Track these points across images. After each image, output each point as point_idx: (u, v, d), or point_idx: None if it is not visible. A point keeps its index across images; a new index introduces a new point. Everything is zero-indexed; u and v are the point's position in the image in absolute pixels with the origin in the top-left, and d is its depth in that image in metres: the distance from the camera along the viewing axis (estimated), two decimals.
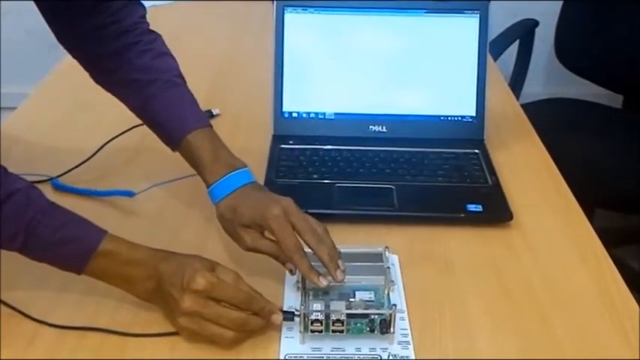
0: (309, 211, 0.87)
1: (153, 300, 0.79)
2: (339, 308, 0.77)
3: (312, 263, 0.80)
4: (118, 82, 0.94)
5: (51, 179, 1.04)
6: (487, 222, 0.97)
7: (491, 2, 1.15)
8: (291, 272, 0.83)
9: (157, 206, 1.01)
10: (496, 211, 0.98)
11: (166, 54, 0.96)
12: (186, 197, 1.02)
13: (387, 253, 0.85)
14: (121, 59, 0.93)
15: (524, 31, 1.97)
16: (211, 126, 0.92)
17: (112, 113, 1.19)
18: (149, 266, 0.77)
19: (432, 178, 1.05)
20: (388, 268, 0.83)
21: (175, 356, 0.75)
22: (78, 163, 1.07)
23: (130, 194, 1.00)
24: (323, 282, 0.79)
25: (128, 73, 0.93)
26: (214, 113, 1.23)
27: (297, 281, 0.83)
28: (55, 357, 0.75)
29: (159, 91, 0.92)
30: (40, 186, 1.02)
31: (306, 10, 1.13)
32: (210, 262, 0.78)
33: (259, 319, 0.76)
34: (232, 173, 0.87)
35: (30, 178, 1.01)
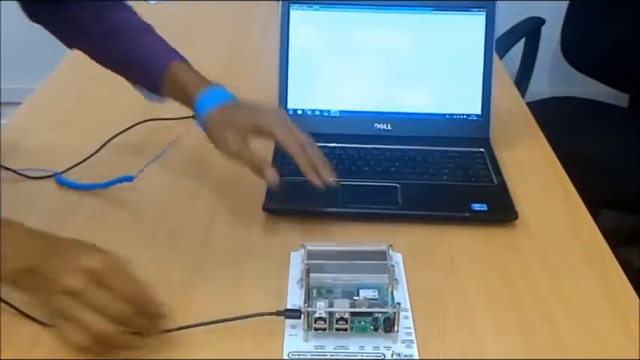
0: (314, 209, 0.86)
1: (18, 281, 0.69)
2: (342, 306, 0.76)
3: (319, 261, 0.80)
4: (93, 37, 0.95)
5: (55, 175, 1.04)
6: (492, 221, 0.97)
7: (498, 0, 1.14)
8: (270, 183, 0.83)
9: (162, 202, 1.00)
10: (501, 210, 0.98)
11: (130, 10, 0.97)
12: (190, 192, 1.02)
13: (390, 251, 0.85)
14: (94, 13, 0.93)
15: (530, 30, 1.96)
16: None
17: (116, 109, 1.19)
18: (21, 244, 0.69)
19: (437, 176, 1.04)
20: (392, 266, 0.82)
21: (178, 353, 0.75)
22: (81, 160, 1.07)
23: (128, 179, 1.00)
24: (317, 180, 0.80)
25: (101, 26, 0.93)
26: None
27: (301, 279, 0.83)
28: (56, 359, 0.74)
29: (134, 36, 0.93)
30: (44, 182, 1.02)
31: (311, 6, 1.13)
32: (98, 246, 0.70)
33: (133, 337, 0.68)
34: (223, 89, 0.89)
35: (33, 174, 1.02)
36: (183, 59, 0.93)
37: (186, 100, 0.90)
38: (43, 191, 1.01)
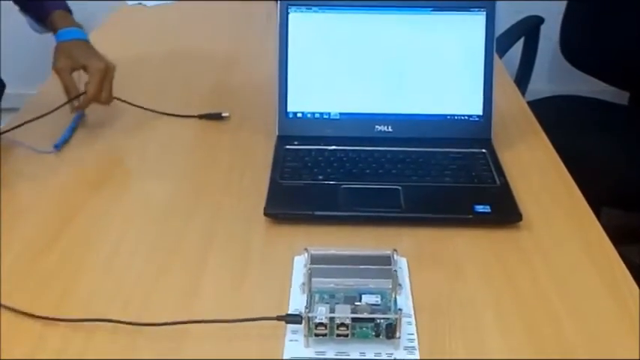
0: (316, 213, 0.85)
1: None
2: (344, 312, 0.75)
3: (321, 266, 0.80)
4: None
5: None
6: (496, 223, 0.96)
7: (497, 0, 1.13)
8: (73, 109, 1.16)
9: (162, 206, 1.00)
10: (505, 212, 0.97)
11: None
12: (192, 197, 1.01)
13: (395, 255, 0.84)
14: None
15: (529, 28, 1.96)
16: (70, 10, 1.23)
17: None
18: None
19: (439, 178, 1.03)
20: (395, 271, 0.81)
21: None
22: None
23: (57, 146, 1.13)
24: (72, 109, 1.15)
25: None
26: (224, 115, 1.23)
27: (303, 283, 0.82)
28: (66, 350, 0.74)
29: None
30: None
31: (310, 9, 1.12)
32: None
33: None
34: (78, 30, 1.19)
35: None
36: (66, 9, 1.23)
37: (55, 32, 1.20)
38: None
